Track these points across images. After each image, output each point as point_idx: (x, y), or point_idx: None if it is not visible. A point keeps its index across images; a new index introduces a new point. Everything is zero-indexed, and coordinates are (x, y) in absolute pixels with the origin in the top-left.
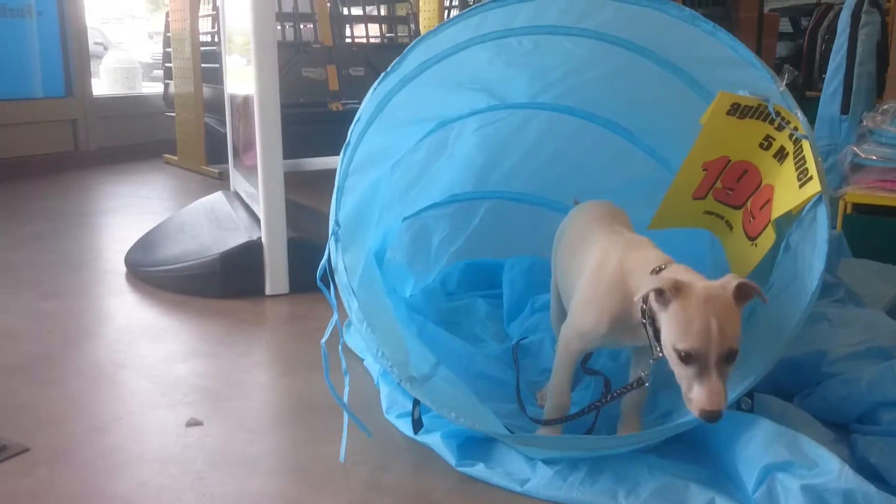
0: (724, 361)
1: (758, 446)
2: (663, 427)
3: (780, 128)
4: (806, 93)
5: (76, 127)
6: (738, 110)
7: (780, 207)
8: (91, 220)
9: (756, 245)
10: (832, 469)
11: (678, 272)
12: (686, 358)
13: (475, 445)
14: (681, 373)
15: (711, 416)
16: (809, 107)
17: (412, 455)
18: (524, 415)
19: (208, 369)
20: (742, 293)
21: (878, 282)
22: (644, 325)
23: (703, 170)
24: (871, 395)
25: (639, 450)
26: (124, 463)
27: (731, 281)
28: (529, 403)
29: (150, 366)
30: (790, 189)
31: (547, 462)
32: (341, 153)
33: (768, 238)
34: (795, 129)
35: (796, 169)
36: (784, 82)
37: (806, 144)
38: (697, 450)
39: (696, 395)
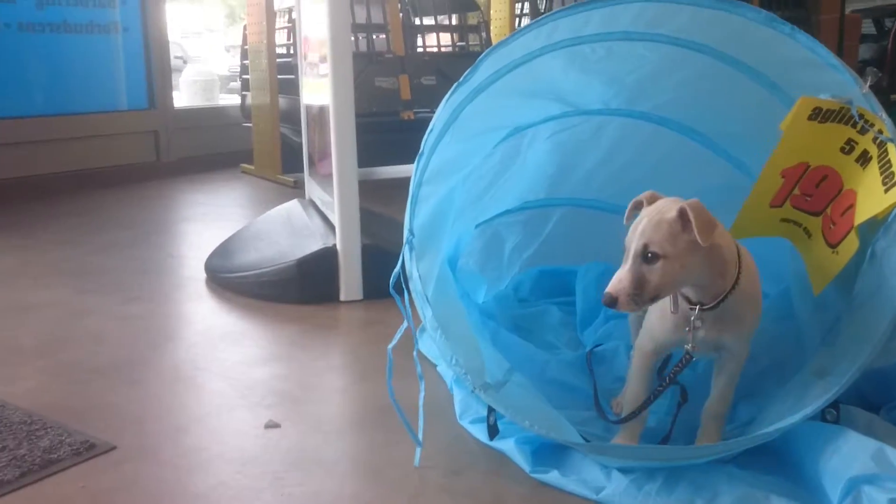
0: (641, 259)
1: (843, 458)
2: (742, 438)
3: (862, 131)
4: (891, 96)
5: (158, 138)
6: (820, 114)
7: (863, 213)
8: (171, 228)
9: (837, 252)
10: None
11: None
12: (623, 250)
13: (549, 452)
14: None
15: (606, 300)
16: (894, 111)
17: (486, 460)
18: (600, 422)
19: (285, 373)
20: (684, 217)
21: None
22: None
23: (782, 177)
24: None
25: (718, 460)
26: (204, 462)
27: (681, 202)
28: (608, 411)
29: (228, 369)
30: (874, 194)
31: (622, 470)
32: (415, 163)
33: (851, 245)
34: (880, 131)
35: (881, 173)
36: (867, 84)
37: (891, 147)
38: (779, 461)
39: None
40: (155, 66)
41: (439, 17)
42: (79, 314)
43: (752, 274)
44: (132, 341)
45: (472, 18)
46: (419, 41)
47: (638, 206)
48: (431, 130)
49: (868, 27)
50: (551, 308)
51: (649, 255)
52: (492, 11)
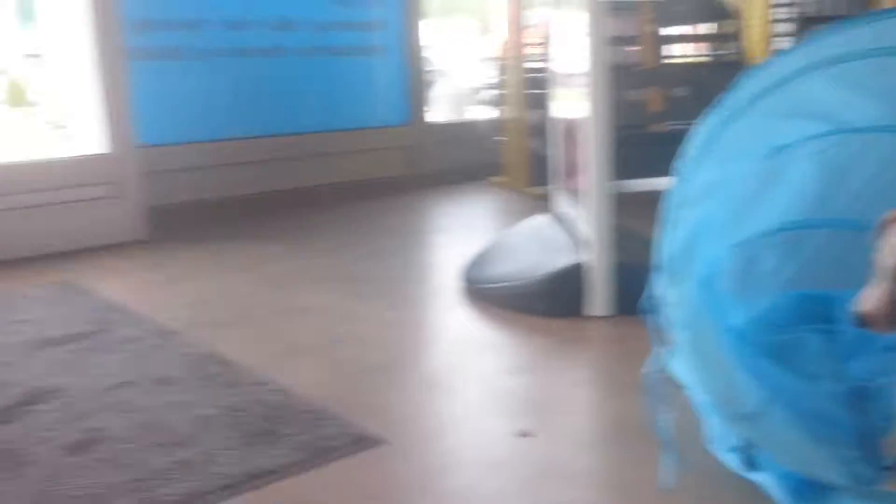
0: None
1: None
2: None
3: None
4: None
5: (413, 151)
6: None
7: None
8: (426, 238)
9: None
10: None
11: None
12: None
13: (810, 489)
14: None
15: (856, 316)
16: None
17: (737, 491)
18: (867, 462)
19: (537, 383)
20: None
21: None
22: None
23: None
24: None
25: None
26: (458, 464)
27: None
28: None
29: (482, 376)
30: None
31: None
32: (670, 187)
33: None
34: None
35: None
36: None
37: None
38: None
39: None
40: (413, 85)
41: (689, 27)
42: (348, 317)
43: None
44: (395, 345)
45: (727, 27)
46: (669, 51)
47: (887, 224)
48: (688, 154)
49: None
50: (811, 336)
51: None
52: (746, 19)
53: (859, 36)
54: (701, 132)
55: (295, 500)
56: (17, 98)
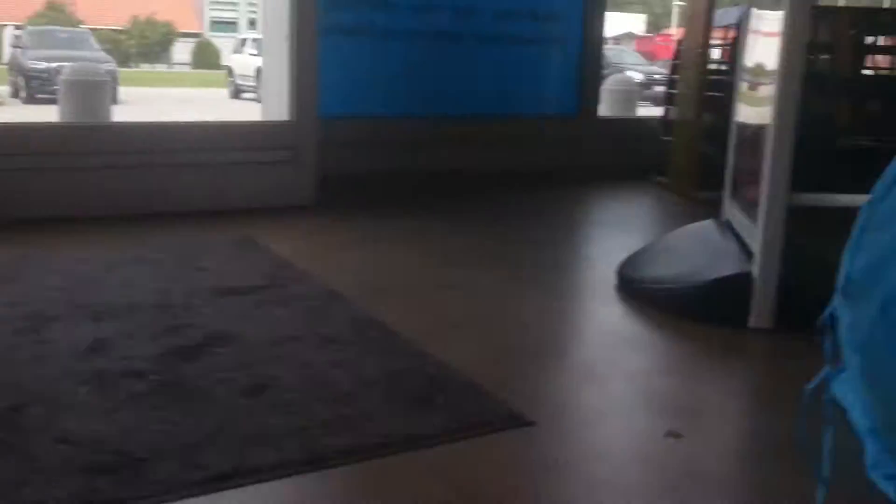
0: None
1: None
2: None
3: None
4: None
5: (580, 144)
6: None
7: None
8: (586, 230)
9: None
10: None
11: None
12: None
13: None
14: None
15: None
16: None
17: None
18: None
19: (686, 387)
20: None
21: None
22: None
23: None
24: None
25: None
26: (606, 454)
27: None
28: None
29: (632, 373)
30: None
31: None
32: (862, 208)
33: None
34: None
35: None
36: None
37: None
38: None
39: None
40: (586, 77)
41: (892, 39)
42: (503, 299)
43: None
44: (551, 331)
45: None
46: (865, 63)
47: None
48: (885, 177)
49: None
50: None
51: None
52: None
53: None
54: None
55: (447, 466)
56: (208, 59)
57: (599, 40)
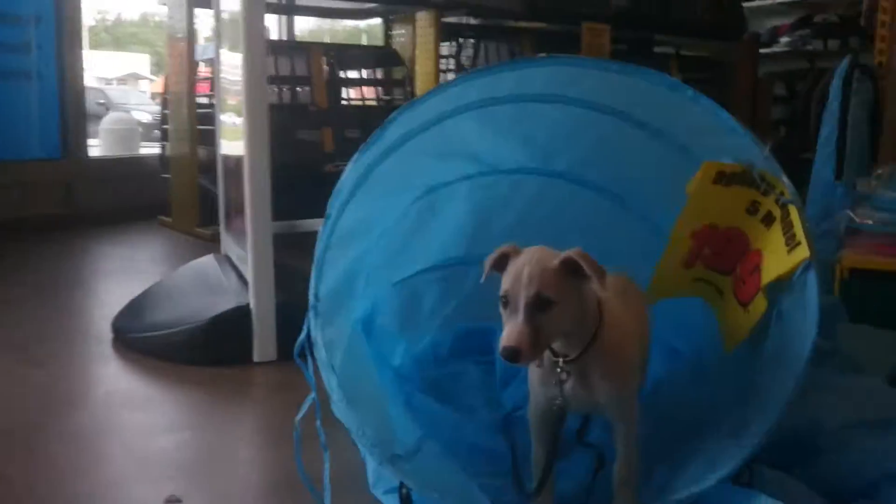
0: (534, 308)
1: None
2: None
3: (765, 193)
4: (800, 155)
5: (70, 188)
6: (724, 178)
7: (769, 273)
8: (81, 283)
9: (748, 311)
10: None
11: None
12: (504, 302)
13: None
14: (504, 321)
15: (508, 353)
16: (804, 168)
17: None
18: (516, 490)
19: (191, 441)
20: (570, 265)
21: (877, 348)
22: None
23: (691, 238)
24: (871, 467)
25: None
26: None
27: (566, 252)
28: (527, 477)
29: (132, 437)
30: (779, 255)
31: None
32: (322, 227)
33: (759, 305)
34: (781, 193)
35: (784, 234)
36: (768, 147)
37: (793, 209)
38: None
39: (502, 336)
40: (69, 115)
41: (364, 71)
42: None
43: (618, 328)
44: (29, 405)
45: (398, 73)
46: (344, 94)
47: (503, 259)
48: (339, 192)
49: (780, 89)
50: (470, 367)
51: (542, 302)
52: (416, 66)
53: (502, 81)
54: (352, 171)
55: None
56: None
57: (80, 77)
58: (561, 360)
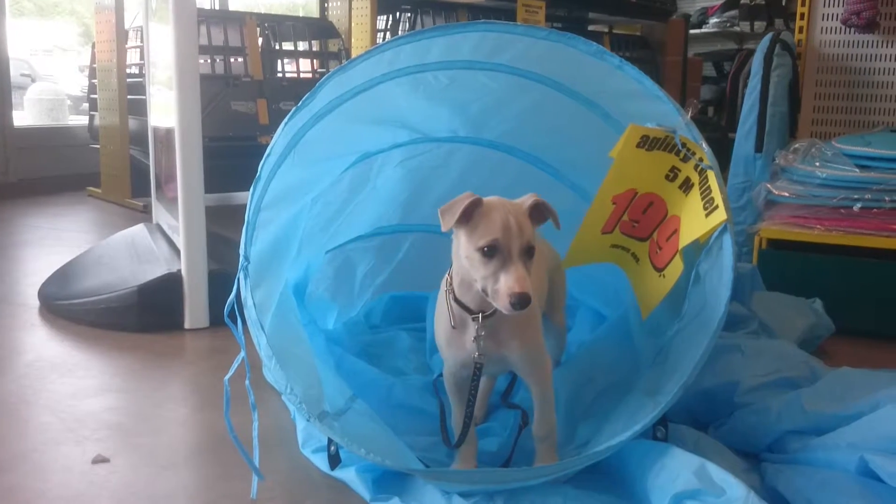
0: (524, 255)
1: (668, 475)
2: (575, 458)
3: (685, 159)
4: (728, 134)
5: None
6: (647, 142)
7: (686, 237)
8: (5, 253)
9: (664, 276)
10: (738, 496)
11: None
12: (490, 252)
13: (391, 479)
14: (484, 272)
15: (521, 299)
16: (732, 147)
17: (328, 490)
18: (444, 447)
19: (120, 404)
20: (537, 212)
21: (791, 314)
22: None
23: (613, 203)
24: (779, 424)
25: (555, 480)
26: (25, 502)
27: (527, 199)
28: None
29: (58, 402)
30: (696, 219)
31: (463, 495)
32: (251, 188)
33: (676, 268)
34: (700, 160)
35: (702, 199)
36: (689, 114)
37: (711, 175)
38: (613, 479)
39: (504, 283)
40: None
41: (300, 44)
42: None
43: None
44: None
45: (333, 45)
46: (279, 66)
47: (474, 206)
48: (269, 155)
49: (709, 70)
50: (401, 334)
51: (530, 249)
52: (353, 39)
53: (432, 47)
54: (282, 135)
55: None
56: None
57: (2, 47)
58: (480, 316)
